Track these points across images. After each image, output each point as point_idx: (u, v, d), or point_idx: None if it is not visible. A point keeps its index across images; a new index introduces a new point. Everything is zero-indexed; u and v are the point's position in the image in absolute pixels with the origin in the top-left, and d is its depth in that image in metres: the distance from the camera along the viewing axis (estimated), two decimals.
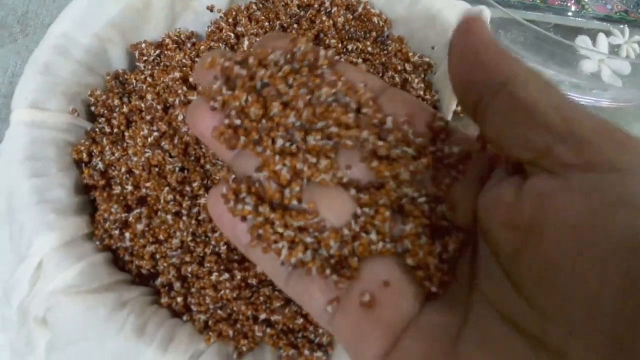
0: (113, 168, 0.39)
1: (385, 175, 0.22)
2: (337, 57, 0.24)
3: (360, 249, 0.22)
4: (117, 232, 0.37)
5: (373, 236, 0.22)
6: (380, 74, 0.46)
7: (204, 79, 0.23)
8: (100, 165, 0.39)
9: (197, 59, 0.44)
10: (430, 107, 0.33)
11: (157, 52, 0.45)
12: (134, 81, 0.43)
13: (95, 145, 0.40)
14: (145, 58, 0.45)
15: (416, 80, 0.46)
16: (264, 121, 0.22)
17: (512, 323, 0.17)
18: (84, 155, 0.39)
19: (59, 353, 0.33)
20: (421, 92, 0.46)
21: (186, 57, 0.44)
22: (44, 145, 0.38)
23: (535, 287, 0.16)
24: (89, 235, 0.37)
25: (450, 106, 0.46)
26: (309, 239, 0.22)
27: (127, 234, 0.37)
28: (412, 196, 0.22)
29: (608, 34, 0.60)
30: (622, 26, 0.62)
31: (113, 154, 0.39)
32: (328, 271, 0.21)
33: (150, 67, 0.44)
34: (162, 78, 0.42)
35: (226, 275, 0.36)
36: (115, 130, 0.41)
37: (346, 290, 0.21)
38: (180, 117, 0.39)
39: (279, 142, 0.22)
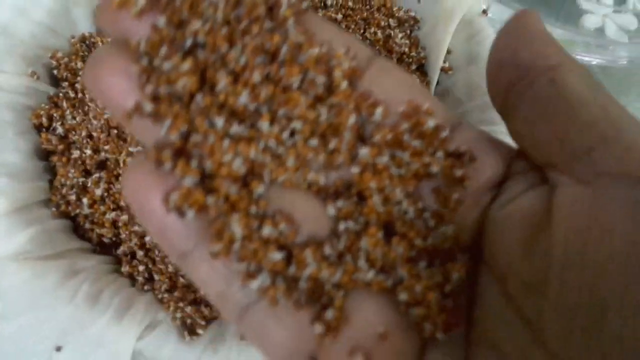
0: (73, 133, 0.37)
1: (369, 187, 0.17)
2: (304, 4, 0.18)
3: (344, 279, 0.16)
4: (74, 197, 0.35)
5: (362, 263, 0.17)
6: (362, 31, 0.43)
7: (110, 23, 0.16)
8: (60, 130, 0.37)
9: None
10: (430, 94, 0.25)
11: None
12: (100, 44, 0.41)
13: (56, 110, 0.38)
14: None
15: (400, 36, 0.43)
16: (199, 98, 0.16)
17: None
18: (44, 119, 0.37)
19: (10, 323, 0.31)
20: (405, 49, 0.43)
21: None
22: None
23: (562, 335, 0.13)
24: (47, 202, 0.36)
25: (438, 63, 0.43)
26: (276, 255, 0.16)
27: (85, 200, 0.35)
28: (405, 211, 0.17)
29: None
30: None
31: (74, 118, 0.37)
32: (301, 299, 0.16)
33: None
34: None
35: None
36: (80, 95, 0.39)
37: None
38: None
39: (219, 123, 0.16)
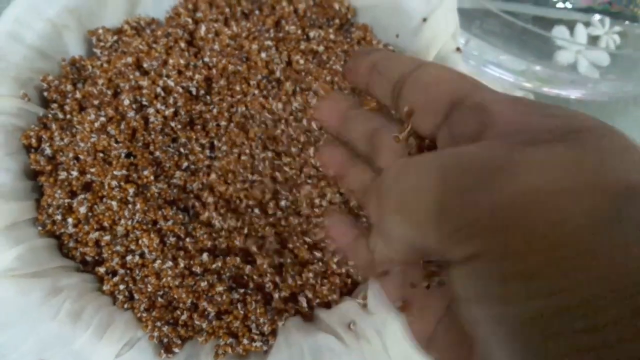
0: (61, 154, 0.39)
1: None
2: None
3: None
4: (59, 217, 0.37)
5: None
6: (342, 62, 0.45)
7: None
8: (48, 151, 0.39)
9: (154, 45, 0.43)
10: None
11: (115, 38, 0.45)
12: (90, 67, 0.43)
13: (45, 131, 0.40)
14: (102, 44, 0.44)
15: None
16: None
17: None
18: (33, 140, 0.39)
19: None
20: None
21: (143, 43, 0.43)
22: None
23: None
24: (34, 221, 0.37)
25: None
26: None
27: (70, 220, 0.37)
28: None
29: (587, 24, 0.59)
30: (602, 17, 0.61)
31: (62, 139, 0.39)
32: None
33: (107, 53, 0.44)
34: (116, 63, 0.42)
35: (169, 263, 0.36)
36: (68, 116, 0.41)
37: None
38: (126, 102, 0.39)
39: None
